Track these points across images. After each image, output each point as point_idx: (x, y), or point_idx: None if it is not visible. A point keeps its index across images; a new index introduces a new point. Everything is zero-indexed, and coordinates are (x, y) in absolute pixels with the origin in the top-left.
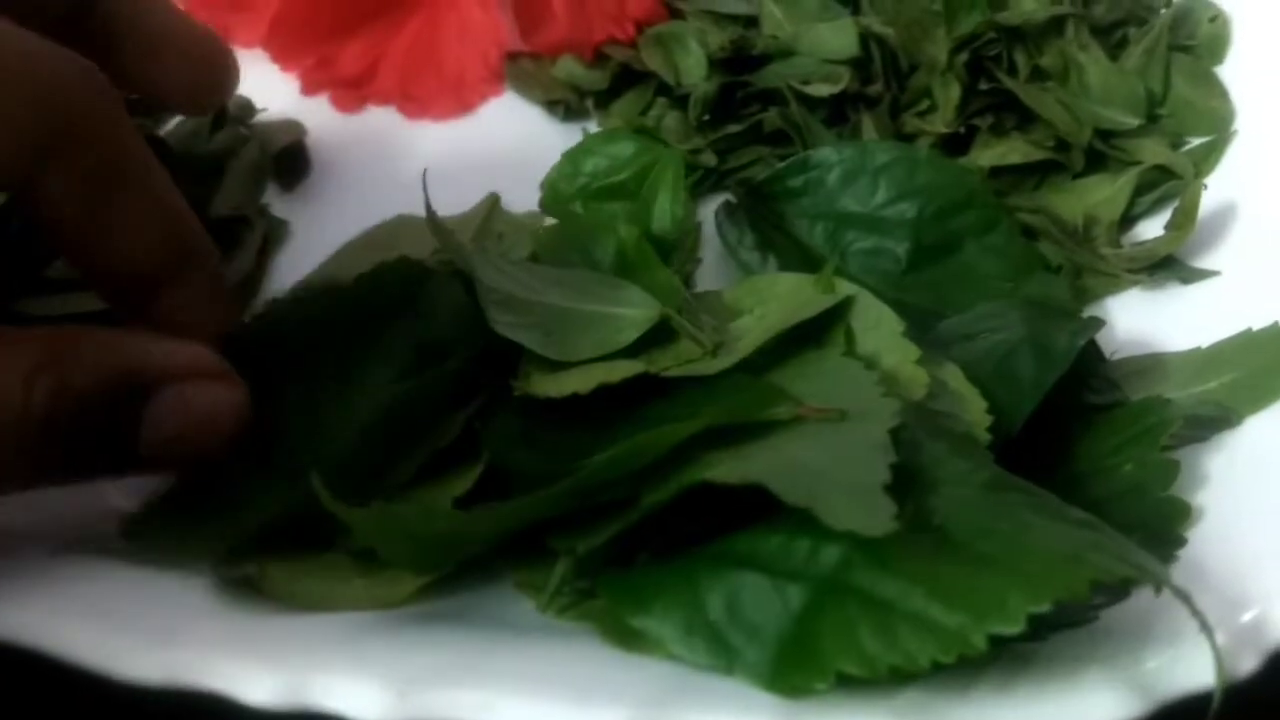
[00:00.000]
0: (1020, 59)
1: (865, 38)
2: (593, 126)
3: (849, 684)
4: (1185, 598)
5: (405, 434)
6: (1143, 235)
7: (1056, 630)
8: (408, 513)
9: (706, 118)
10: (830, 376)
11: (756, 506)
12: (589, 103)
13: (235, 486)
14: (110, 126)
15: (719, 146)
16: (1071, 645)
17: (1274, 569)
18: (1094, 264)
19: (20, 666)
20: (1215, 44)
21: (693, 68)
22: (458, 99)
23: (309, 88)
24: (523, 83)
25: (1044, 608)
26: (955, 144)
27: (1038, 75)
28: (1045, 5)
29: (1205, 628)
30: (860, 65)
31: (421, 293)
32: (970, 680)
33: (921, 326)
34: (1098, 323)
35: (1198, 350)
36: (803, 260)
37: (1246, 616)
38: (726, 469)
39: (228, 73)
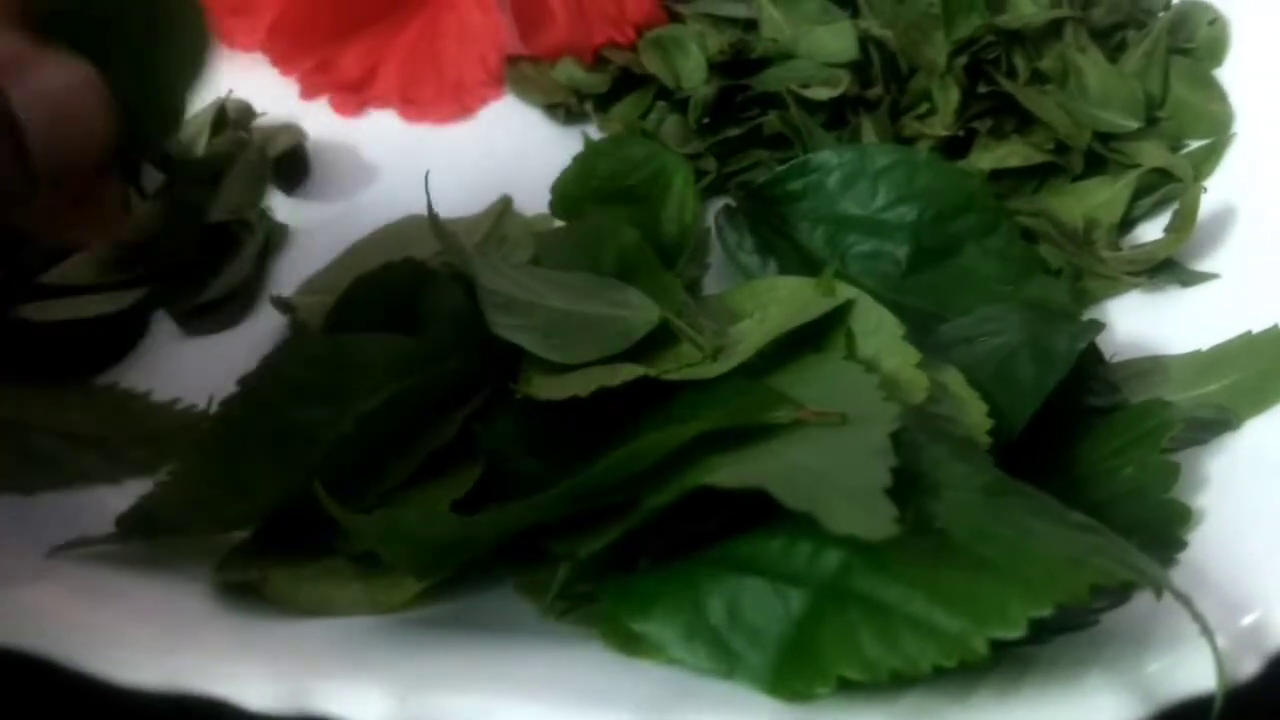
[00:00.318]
0: (1019, 62)
1: (864, 41)
2: (593, 130)
3: (850, 688)
4: (1186, 601)
5: (403, 433)
6: (1142, 238)
7: (1057, 634)
8: (408, 517)
9: (706, 121)
10: (831, 380)
11: (757, 510)
12: (589, 106)
13: (231, 482)
14: None
15: (719, 150)
16: (1073, 649)
17: (1275, 572)
18: (1094, 267)
19: (21, 669)
20: (1214, 47)
21: (692, 71)
22: (457, 102)
23: (308, 91)
24: (522, 86)
25: (1045, 612)
26: (955, 147)
27: (1037, 78)
28: (1044, 8)
29: (1206, 631)
30: (860, 68)
31: (423, 294)
32: (971, 684)
33: (922, 329)
34: (1098, 326)
35: (1198, 353)
36: (803, 263)
37: (1247, 620)
38: (727, 473)
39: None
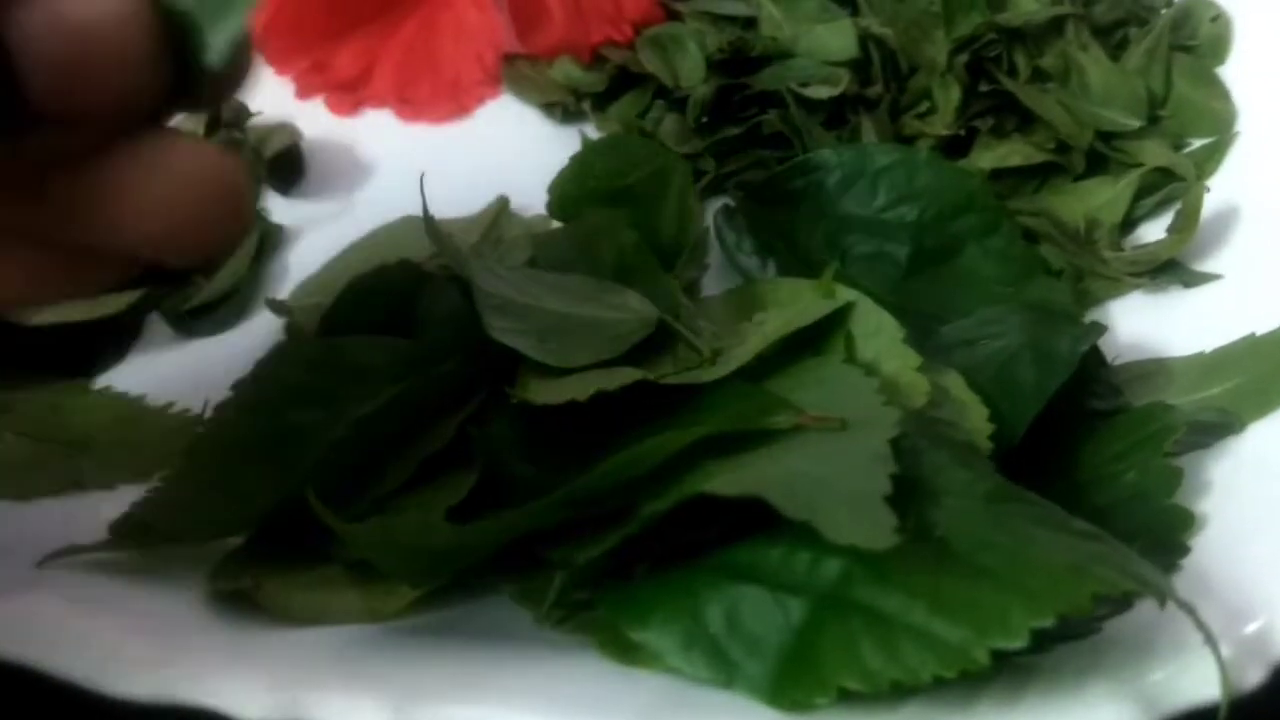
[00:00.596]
0: (1020, 60)
1: (864, 39)
2: (590, 129)
3: (850, 699)
4: (1189, 610)
5: (399, 437)
6: (1145, 238)
7: (1060, 642)
8: (402, 525)
9: (705, 120)
10: (830, 384)
11: (757, 517)
12: (586, 105)
13: (225, 487)
14: None
15: (717, 149)
16: (1075, 657)
17: (1279, 578)
18: (1096, 267)
19: (13, 678)
20: (1217, 44)
21: (691, 70)
22: (454, 101)
23: (304, 91)
24: (520, 85)
25: (1047, 622)
26: (955, 146)
27: (1038, 76)
28: (1045, 6)
29: (1210, 640)
30: (859, 67)
31: (419, 297)
32: (973, 694)
33: (922, 331)
34: (1100, 329)
35: (1201, 355)
36: (802, 264)
37: (1251, 627)
38: (725, 480)
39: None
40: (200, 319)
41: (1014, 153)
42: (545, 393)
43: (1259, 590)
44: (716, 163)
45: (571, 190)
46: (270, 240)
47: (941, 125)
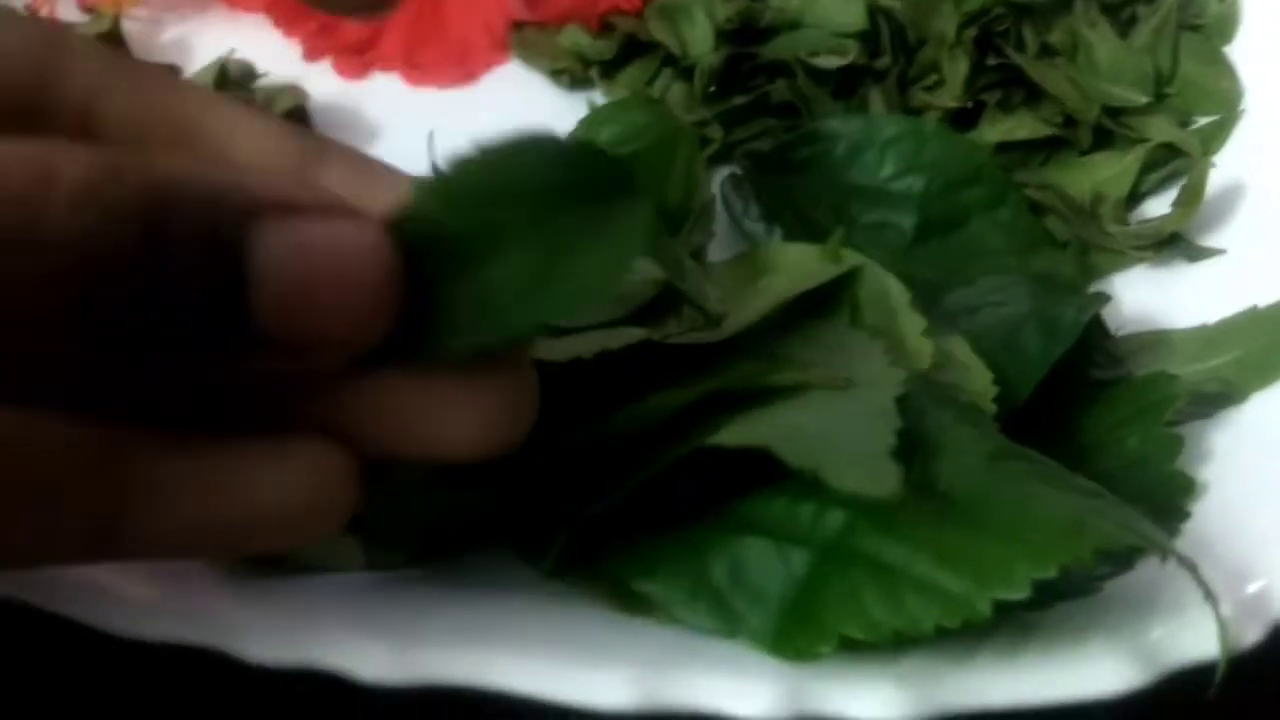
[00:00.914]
0: (1029, 35)
1: (873, 11)
2: (598, 96)
3: (852, 648)
4: (1191, 567)
5: None
6: (1150, 213)
7: (1061, 599)
8: (395, 496)
9: (713, 89)
10: (836, 346)
11: (760, 472)
12: (594, 73)
13: None
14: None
15: (725, 118)
16: (1075, 615)
17: (1278, 543)
18: (1101, 241)
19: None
20: (1224, 23)
21: (699, 39)
22: (462, 67)
23: (312, 53)
24: (527, 52)
25: (1049, 574)
26: (963, 119)
27: (1046, 51)
28: None
29: (1210, 598)
30: (868, 38)
31: None
32: (974, 647)
33: (927, 300)
34: (1103, 298)
35: (1203, 327)
36: (809, 233)
37: (1251, 588)
38: (730, 433)
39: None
40: None
41: (1021, 126)
42: (550, 351)
43: (1259, 554)
44: (724, 131)
45: None
46: None
47: (949, 98)
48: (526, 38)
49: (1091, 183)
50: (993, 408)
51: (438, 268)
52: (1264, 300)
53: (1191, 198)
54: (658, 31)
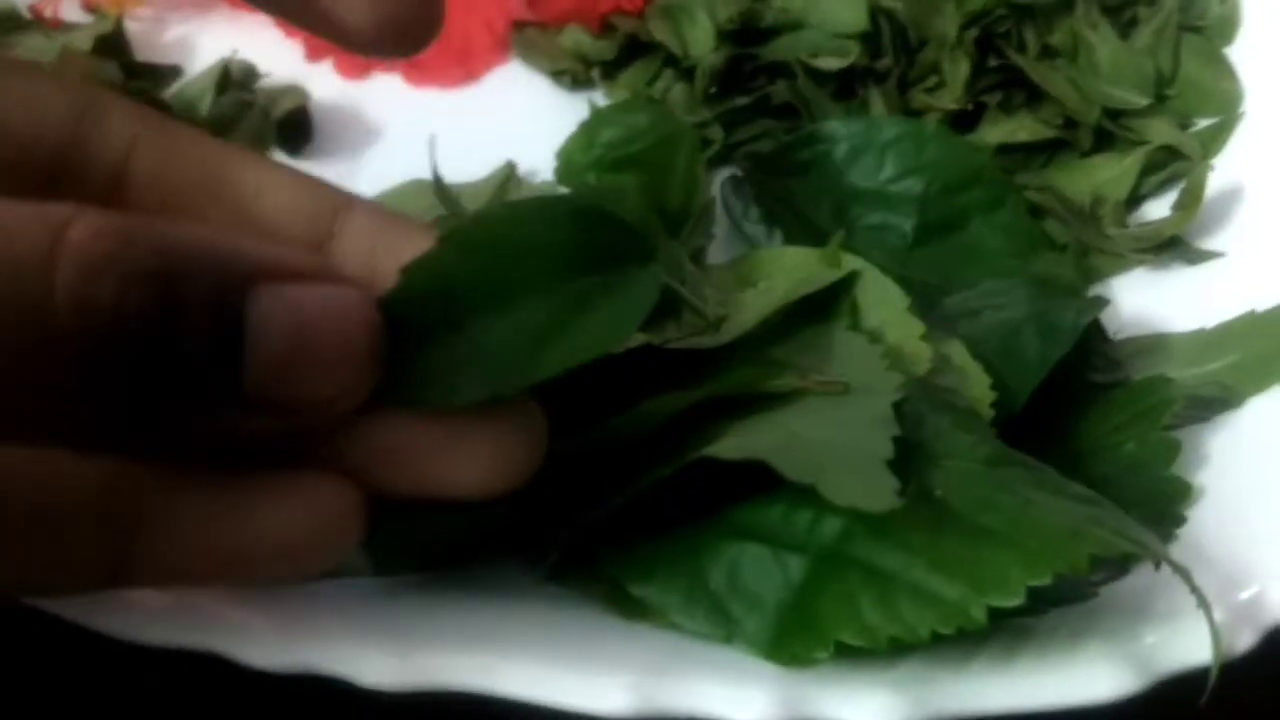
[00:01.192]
0: (1030, 36)
1: (874, 12)
2: (599, 97)
3: (848, 654)
4: (1184, 574)
5: None
6: (1149, 215)
7: (1056, 605)
8: (406, 516)
9: (714, 90)
10: (834, 350)
11: (758, 477)
12: (595, 73)
13: None
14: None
15: (726, 119)
16: (1070, 620)
17: (1273, 549)
18: (1100, 243)
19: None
20: (1225, 25)
21: (700, 39)
22: (463, 67)
23: (313, 53)
24: (529, 52)
25: (1044, 581)
26: (963, 121)
27: (1047, 53)
28: None
29: (1203, 604)
30: (869, 40)
31: None
32: (970, 653)
33: (926, 302)
34: (1102, 302)
35: (1201, 331)
36: (809, 235)
37: (1245, 594)
38: (729, 444)
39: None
40: None
41: (1021, 128)
42: None
43: (1253, 559)
44: (724, 132)
45: (579, 157)
46: None
47: (950, 99)
48: (528, 38)
49: (1091, 185)
50: (991, 412)
51: (449, 316)
52: (1262, 304)
53: (1191, 201)
54: (659, 32)
